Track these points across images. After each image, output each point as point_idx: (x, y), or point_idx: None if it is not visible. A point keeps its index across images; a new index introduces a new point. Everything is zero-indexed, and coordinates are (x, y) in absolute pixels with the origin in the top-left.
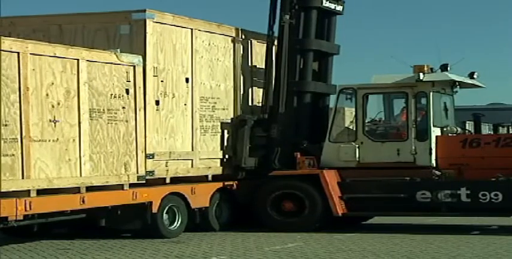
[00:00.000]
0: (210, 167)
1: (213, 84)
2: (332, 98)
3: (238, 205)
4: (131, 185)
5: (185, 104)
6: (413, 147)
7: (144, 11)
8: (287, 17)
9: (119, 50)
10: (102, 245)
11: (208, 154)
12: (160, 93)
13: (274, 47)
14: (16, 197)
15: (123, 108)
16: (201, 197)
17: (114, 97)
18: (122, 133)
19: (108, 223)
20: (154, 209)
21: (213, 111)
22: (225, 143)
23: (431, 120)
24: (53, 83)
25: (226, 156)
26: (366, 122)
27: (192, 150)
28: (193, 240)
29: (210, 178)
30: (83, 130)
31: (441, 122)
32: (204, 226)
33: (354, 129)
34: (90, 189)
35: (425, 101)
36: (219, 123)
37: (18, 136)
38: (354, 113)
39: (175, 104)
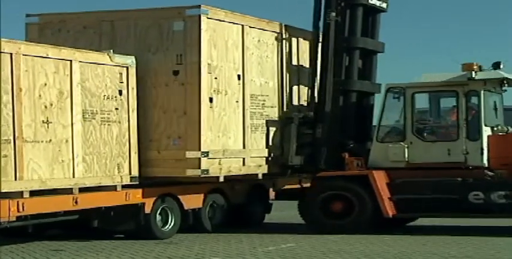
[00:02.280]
0: (260, 165)
1: (262, 82)
2: (377, 97)
3: (231, 206)
4: (124, 186)
5: (237, 101)
6: (464, 147)
7: (199, 6)
8: (333, 14)
9: (111, 50)
10: (95, 246)
11: (258, 153)
12: (214, 91)
13: (319, 45)
14: (9, 198)
15: (116, 109)
16: (194, 198)
17: (107, 98)
18: (115, 134)
19: (101, 224)
20: (147, 210)
21: (263, 109)
22: (273, 141)
23: (483, 120)
24: (45, 84)
25: (274, 154)
26: (415, 121)
27: (244, 148)
28: (186, 241)
29: (260, 176)
30: (76, 131)
31: (492, 121)
32: (197, 227)
33: (403, 128)
34: (83, 190)
35: (476, 99)
36: (268, 121)
37: (11, 137)
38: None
39: (228, 101)
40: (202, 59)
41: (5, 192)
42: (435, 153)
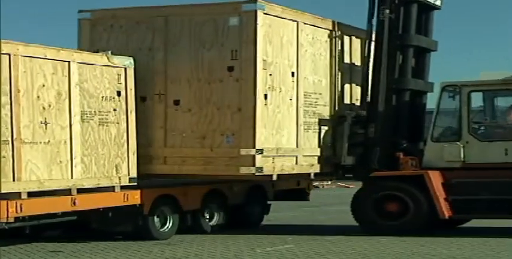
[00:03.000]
0: (312, 165)
1: (316, 80)
2: (429, 96)
3: (229, 208)
4: (122, 187)
5: (290, 99)
6: None
7: (255, 1)
8: (387, 11)
9: (110, 51)
10: (94, 247)
11: (311, 152)
12: (269, 87)
13: (372, 42)
14: (7, 199)
15: (115, 110)
16: (192, 199)
17: (106, 99)
18: (113, 135)
19: (99, 225)
20: (146, 211)
21: (315, 107)
22: (325, 140)
23: None
24: (44, 85)
25: (325, 154)
26: (471, 120)
27: (297, 146)
28: (184, 242)
29: (312, 176)
30: (74, 132)
31: None
32: (196, 228)
33: (458, 128)
34: (81, 191)
35: None
36: (320, 120)
37: (9, 139)
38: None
39: (282, 99)
40: (257, 55)
41: (3, 193)
42: (492, 153)
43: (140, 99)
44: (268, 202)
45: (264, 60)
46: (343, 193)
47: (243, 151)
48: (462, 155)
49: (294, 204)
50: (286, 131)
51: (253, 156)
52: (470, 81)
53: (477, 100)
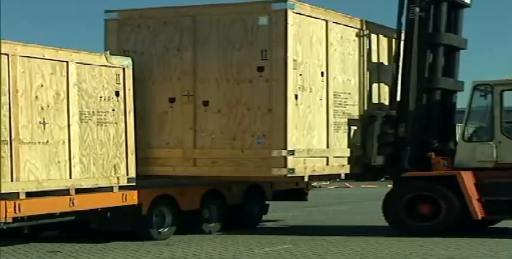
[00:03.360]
0: (343, 165)
1: (345, 79)
2: (459, 95)
3: (228, 208)
4: (121, 187)
5: (320, 99)
6: None
7: (285, 0)
8: (417, 9)
9: (108, 52)
10: (92, 247)
11: (341, 152)
12: (299, 87)
13: (402, 41)
14: (5, 199)
15: (113, 110)
16: (190, 199)
17: (104, 99)
18: (111, 135)
19: (98, 225)
20: (144, 211)
21: (345, 107)
22: (355, 140)
23: None
24: (42, 85)
25: (355, 154)
26: (504, 120)
27: (327, 147)
28: (183, 242)
29: (342, 176)
30: (73, 132)
31: None
32: (194, 228)
33: (491, 127)
34: (79, 191)
35: None
36: (350, 120)
37: (8, 139)
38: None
39: (312, 99)
40: (288, 54)
41: (2, 193)
42: None
43: (169, 100)
44: (267, 202)
45: (294, 60)
46: (342, 193)
47: (275, 153)
48: (495, 155)
49: (293, 204)
50: (316, 132)
51: (285, 157)
52: (502, 80)
53: (509, 99)
